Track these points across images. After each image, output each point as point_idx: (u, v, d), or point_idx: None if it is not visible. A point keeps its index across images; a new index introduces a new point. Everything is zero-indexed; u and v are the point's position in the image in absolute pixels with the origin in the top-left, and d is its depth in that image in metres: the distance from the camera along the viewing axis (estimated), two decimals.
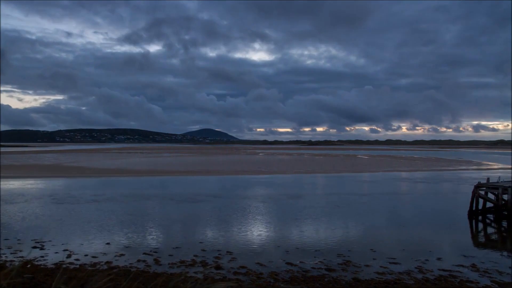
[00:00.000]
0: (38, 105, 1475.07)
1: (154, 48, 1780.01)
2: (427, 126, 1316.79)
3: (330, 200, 45.53)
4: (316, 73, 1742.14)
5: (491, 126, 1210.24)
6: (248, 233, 29.53)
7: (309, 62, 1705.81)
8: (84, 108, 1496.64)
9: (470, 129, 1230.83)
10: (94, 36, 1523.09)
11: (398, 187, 59.32)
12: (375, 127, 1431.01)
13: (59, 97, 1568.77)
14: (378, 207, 41.77)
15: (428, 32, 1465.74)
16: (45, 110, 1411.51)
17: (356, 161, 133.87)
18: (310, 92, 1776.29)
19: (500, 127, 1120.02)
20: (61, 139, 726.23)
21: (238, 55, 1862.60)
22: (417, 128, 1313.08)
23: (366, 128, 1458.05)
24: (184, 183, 64.00)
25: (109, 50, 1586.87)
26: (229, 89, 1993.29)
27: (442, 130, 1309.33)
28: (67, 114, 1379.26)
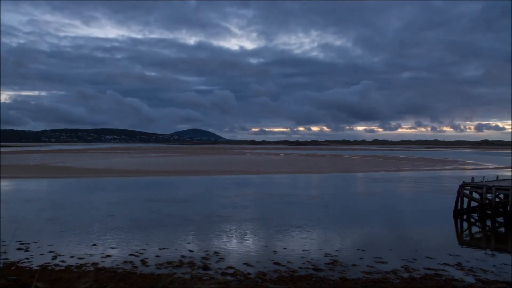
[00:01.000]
0: (3, 100, 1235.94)
1: (115, 32, 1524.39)
2: (428, 127, 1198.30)
3: (317, 200, 45.72)
4: (307, 65, 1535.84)
5: (493, 125, 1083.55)
6: (235, 233, 29.51)
7: (298, 51, 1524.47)
8: (61, 105, 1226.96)
9: (472, 128, 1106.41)
10: (33, 13, 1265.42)
11: (383, 187, 59.78)
12: (373, 127, 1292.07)
13: (26, 92, 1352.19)
14: (364, 206, 42.05)
15: (438, 12, 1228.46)
16: (15, 107, 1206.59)
17: (344, 161, 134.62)
18: (301, 87, 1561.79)
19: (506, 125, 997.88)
20: (47, 139, 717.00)
21: (217, 42, 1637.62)
22: (418, 128, 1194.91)
23: (361, 128, 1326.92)
24: (170, 183, 63.68)
25: (62, 34, 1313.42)
26: (212, 83, 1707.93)
27: (445, 129, 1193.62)
28: (43, 111, 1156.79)
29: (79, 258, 22.54)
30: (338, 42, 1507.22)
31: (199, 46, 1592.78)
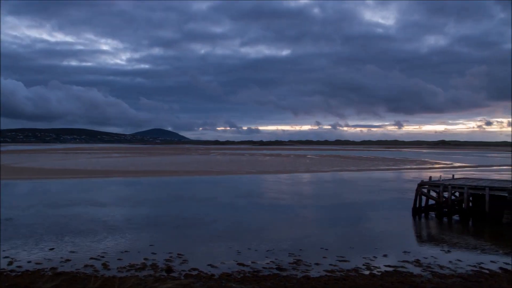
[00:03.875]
0: None
1: None
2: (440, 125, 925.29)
3: (282, 199, 46.12)
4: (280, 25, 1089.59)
5: None
6: (198, 234, 29.34)
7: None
8: None
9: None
10: None
11: (344, 186, 60.95)
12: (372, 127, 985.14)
13: None
14: (326, 205, 42.75)
15: None
16: None
17: (307, 160, 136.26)
18: (277, 66, 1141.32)
19: None
20: (2, 139, 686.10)
21: None
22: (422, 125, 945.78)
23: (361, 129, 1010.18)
24: (132, 184, 62.62)
25: None
26: (142, 59, 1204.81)
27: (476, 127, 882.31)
28: None
29: (37, 263, 21.80)
30: None
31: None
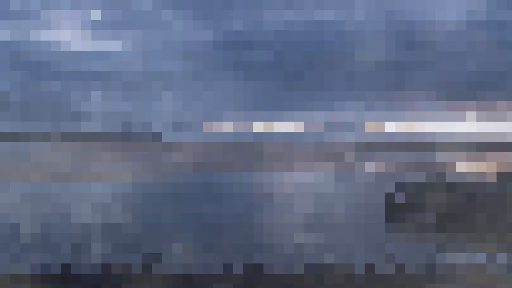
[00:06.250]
0: None
1: None
2: None
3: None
4: None
5: None
6: (161, 235, 28.67)
7: None
8: None
9: None
10: None
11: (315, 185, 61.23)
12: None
13: None
14: (299, 205, 42.78)
15: None
16: None
17: None
18: None
19: None
20: None
21: None
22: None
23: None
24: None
25: None
26: None
27: None
28: None
29: None
30: None
31: None
